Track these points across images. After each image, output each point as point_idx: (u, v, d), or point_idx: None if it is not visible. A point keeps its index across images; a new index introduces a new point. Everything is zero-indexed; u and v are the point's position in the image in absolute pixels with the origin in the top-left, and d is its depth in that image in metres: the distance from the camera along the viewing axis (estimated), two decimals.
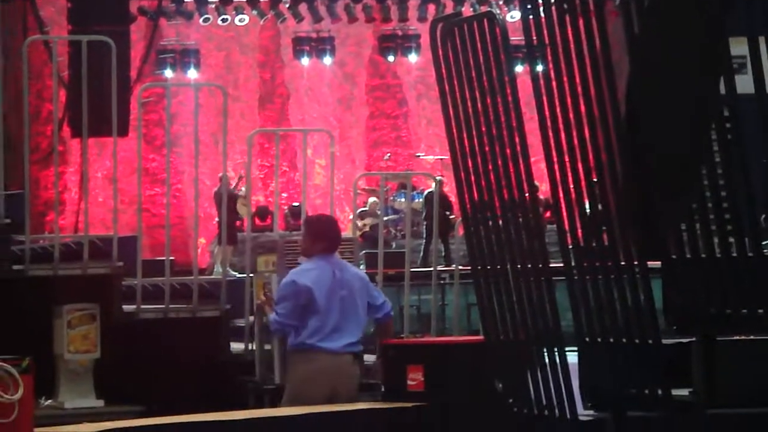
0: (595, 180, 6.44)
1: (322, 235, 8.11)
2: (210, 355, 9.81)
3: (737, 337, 6.35)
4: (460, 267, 10.88)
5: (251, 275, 9.77)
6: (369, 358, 9.84)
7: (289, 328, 8.06)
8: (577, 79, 6.38)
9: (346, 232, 20.45)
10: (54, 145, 11.41)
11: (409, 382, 7.76)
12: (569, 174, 6.52)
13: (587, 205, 6.59)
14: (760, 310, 5.99)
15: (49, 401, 9.22)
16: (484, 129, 7.12)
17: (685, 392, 6.24)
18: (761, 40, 5.84)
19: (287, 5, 20.93)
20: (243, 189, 19.58)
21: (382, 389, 8.17)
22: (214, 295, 9.97)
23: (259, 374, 9.39)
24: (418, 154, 22.42)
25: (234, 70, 22.48)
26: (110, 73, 9.71)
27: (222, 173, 16.00)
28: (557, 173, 6.60)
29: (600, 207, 6.44)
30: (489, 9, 17.58)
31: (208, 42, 22.00)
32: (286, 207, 20.49)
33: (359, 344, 8.07)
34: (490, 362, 7.38)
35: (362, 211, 19.84)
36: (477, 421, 7.47)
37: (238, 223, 19.39)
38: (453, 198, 17.83)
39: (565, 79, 6.47)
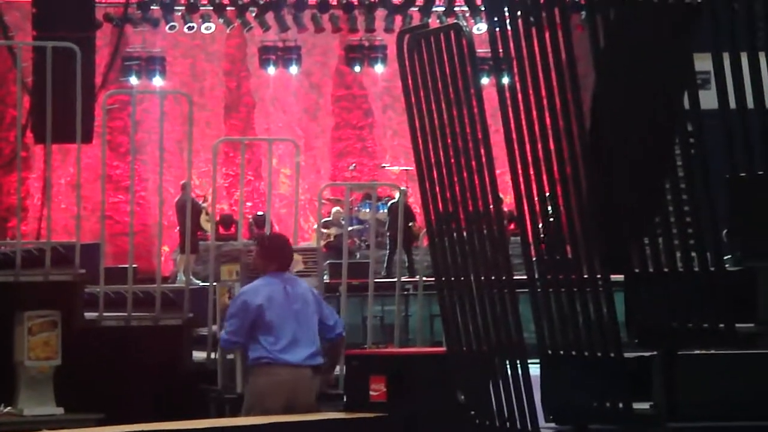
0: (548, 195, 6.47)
1: (275, 255, 8.24)
2: (172, 363, 9.77)
3: (698, 352, 6.37)
4: (424, 278, 10.89)
5: (215, 284, 9.75)
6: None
7: (236, 346, 8.25)
8: (543, 92, 6.40)
9: (311, 242, 20.45)
10: (17, 151, 11.36)
11: (372, 393, 7.76)
12: (534, 186, 6.54)
13: (551, 217, 6.61)
14: (721, 325, 6.02)
15: (8, 408, 9.16)
16: (449, 140, 7.13)
17: (646, 406, 6.26)
18: (725, 56, 5.87)
19: (254, 14, 20.89)
20: (205, 204, 19.50)
21: (344, 399, 8.16)
22: (177, 304, 9.93)
23: (220, 383, 9.37)
24: (383, 165, 22.42)
25: (200, 78, 22.42)
26: (75, 79, 9.67)
27: (184, 181, 15.95)
28: (522, 185, 6.62)
29: (563, 220, 6.47)
30: (456, 21, 17.62)
31: (173, 49, 21.92)
32: (250, 216, 20.45)
33: (318, 356, 8.10)
34: (453, 374, 7.38)
35: (326, 221, 19.83)
36: None
37: (200, 232, 19.34)
38: (417, 209, 17.84)
39: (530, 91, 6.49)
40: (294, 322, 8.00)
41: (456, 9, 20.96)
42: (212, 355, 9.70)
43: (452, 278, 7.26)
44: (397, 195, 17.89)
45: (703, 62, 5.95)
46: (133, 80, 21.25)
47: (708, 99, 5.90)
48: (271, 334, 7.96)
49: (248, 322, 7.99)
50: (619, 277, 6.36)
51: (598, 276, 6.33)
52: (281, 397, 7.92)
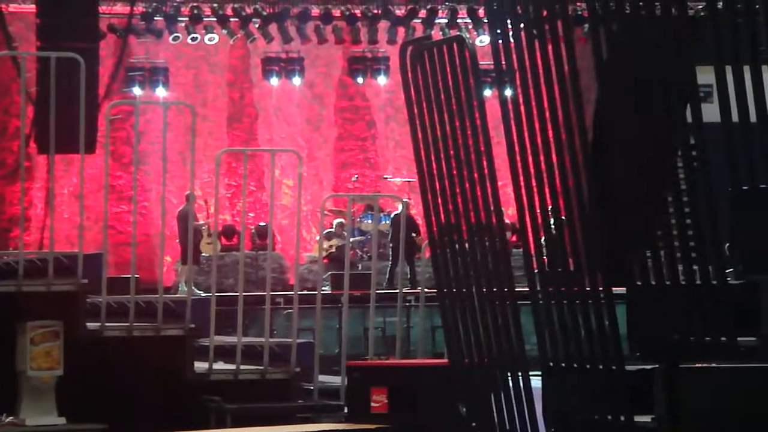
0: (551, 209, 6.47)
1: None
2: (173, 373, 9.77)
3: (700, 365, 6.37)
4: (426, 289, 10.89)
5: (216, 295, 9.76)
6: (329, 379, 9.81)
7: None
8: (546, 104, 6.41)
9: (312, 253, 20.44)
10: (20, 161, 11.37)
11: (373, 404, 7.76)
12: (536, 198, 6.55)
13: (552, 230, 6.61)
14: (723, 338, 6.02)
15: (11, 418, 9.16)
16: (452, 152, 7.14)
17: (647, 419, 6.26)
18: (728, 68, 5.88)
19: (257, 25, 20.92)
20: (205, 226, 19.45)
21: (345, 410, 8.16)
22: (179, 314, 9.93)
23: None
24: (385, 176, 22.43)
25: (203, 89, 22.44)
26: (78, 89, 9.69)
27: (189, 192, 15.97)
28: (524, 197, 6.62)
29: (565, 232, 6.47)
30: (459, 33, 17.63)
31: (177, 60, 21.94)
32: (252, 227, 20.46)
33: None
34: (455, 385, 7.38)
35: (328, 232, 19.83)
36: None
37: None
38: (420, 220, 17.85)
39: (533, 103, 6.50)
40: None
41: (459, 21, 20.97)
42: (214, 366, 9.70)
43: (454, 290, 7.26)
44: (399, 207, 17.89)
45: (705, 75, 5.96)
46: (137, 91, 21.27)
47: (710, 112, 5.91)
48: None
49: None
50: (621, 290, 6.36)
51: (600, 288, 6.34)
52: None
